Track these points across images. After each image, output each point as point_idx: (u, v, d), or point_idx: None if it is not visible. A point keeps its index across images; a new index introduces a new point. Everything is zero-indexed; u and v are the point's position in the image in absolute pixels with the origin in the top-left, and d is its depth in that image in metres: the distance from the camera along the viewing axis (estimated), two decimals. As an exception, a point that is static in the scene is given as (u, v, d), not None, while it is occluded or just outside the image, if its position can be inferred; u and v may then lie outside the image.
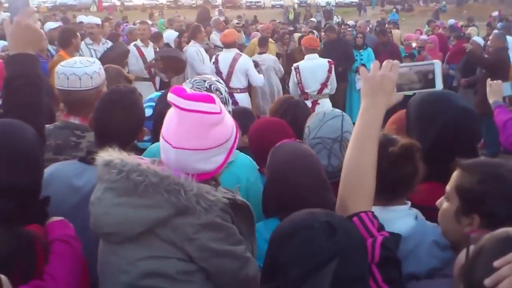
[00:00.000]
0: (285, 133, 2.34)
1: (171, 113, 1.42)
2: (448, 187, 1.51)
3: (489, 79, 3.36)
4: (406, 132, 1.94)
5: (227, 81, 6.08)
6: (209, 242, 1.37)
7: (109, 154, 1.39)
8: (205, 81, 2.17)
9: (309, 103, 5.64)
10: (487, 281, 0.96)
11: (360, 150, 1.36)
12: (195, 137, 1.36)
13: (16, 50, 1.90)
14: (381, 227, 1.25)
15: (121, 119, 1.93)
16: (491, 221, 1.36)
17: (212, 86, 2.14)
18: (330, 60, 6.33)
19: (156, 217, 1.32)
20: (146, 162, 1.41)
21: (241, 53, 6.39)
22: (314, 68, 6.17)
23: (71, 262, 1.55)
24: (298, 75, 6.16)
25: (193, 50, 7.12)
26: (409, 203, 1.69)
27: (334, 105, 8.87)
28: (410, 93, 1.53)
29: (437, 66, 1.48)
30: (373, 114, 1.39)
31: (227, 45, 6.47)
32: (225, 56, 6.38)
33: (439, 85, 1.47)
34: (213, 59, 6.59)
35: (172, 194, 1.30)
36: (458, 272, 1.12)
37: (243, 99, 6.42)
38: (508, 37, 7.63)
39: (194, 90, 2.02)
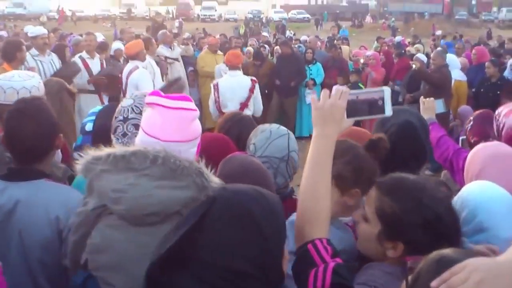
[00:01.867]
0: (228, 149, 2.34)
1: (152, 113, 1.59)
2: (367, 207, 1.53)
3: (422, 97, 3.45)
4: None
5: (124, 93, 5.85)
6: None
7: (111, 149, 1.48)
8: (146, 96, 2.17)
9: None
10: None
11: (314, 177, 1.38)
12: (180, 130, 1.57)
13: None
14: (335, 254, 1.26)
15: (28, 125, 1.92)
16: (414, 248, 1.39)
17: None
18: (253, 78, 5.83)
19: (189, 196, 1.44)
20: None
21: (139, 66, 5.97)
22: (233, 86, 5.58)
23: None
24: (216, 92, 5.57)
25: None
26: None
27: (286, 119, 9.11)
28: (361, 118, 1.55)
29: (387, 92, 1.49)
30: (324, 143, 1.42)
31: (130, 57, 6.15)
32: (127, 68, 6.11)
33: (388, 112, 1.48)
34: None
35: (198, 176, 1.45)
36: None
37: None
38: (449, 55, 7.99)
39: (136, 105, 2.03)
